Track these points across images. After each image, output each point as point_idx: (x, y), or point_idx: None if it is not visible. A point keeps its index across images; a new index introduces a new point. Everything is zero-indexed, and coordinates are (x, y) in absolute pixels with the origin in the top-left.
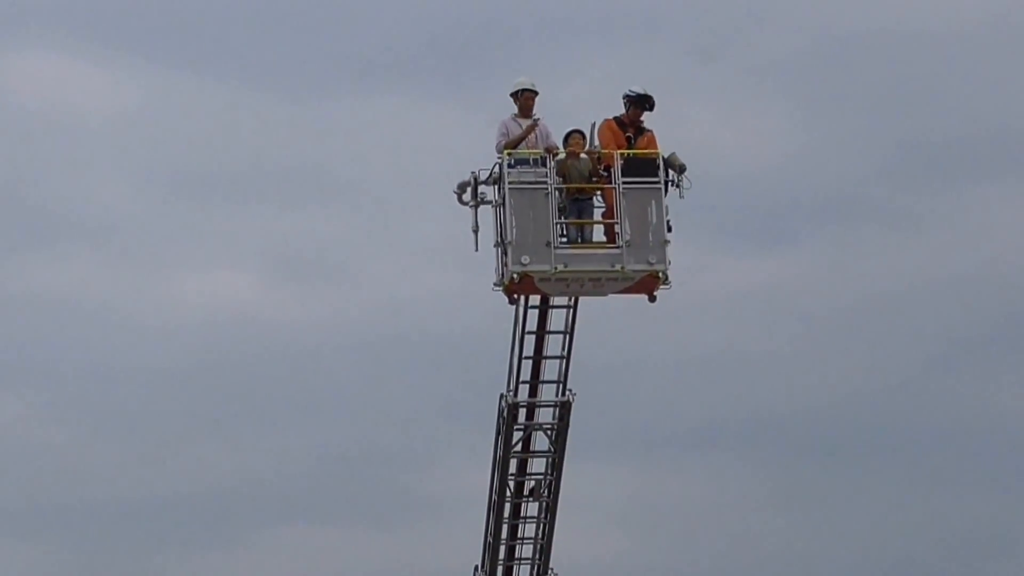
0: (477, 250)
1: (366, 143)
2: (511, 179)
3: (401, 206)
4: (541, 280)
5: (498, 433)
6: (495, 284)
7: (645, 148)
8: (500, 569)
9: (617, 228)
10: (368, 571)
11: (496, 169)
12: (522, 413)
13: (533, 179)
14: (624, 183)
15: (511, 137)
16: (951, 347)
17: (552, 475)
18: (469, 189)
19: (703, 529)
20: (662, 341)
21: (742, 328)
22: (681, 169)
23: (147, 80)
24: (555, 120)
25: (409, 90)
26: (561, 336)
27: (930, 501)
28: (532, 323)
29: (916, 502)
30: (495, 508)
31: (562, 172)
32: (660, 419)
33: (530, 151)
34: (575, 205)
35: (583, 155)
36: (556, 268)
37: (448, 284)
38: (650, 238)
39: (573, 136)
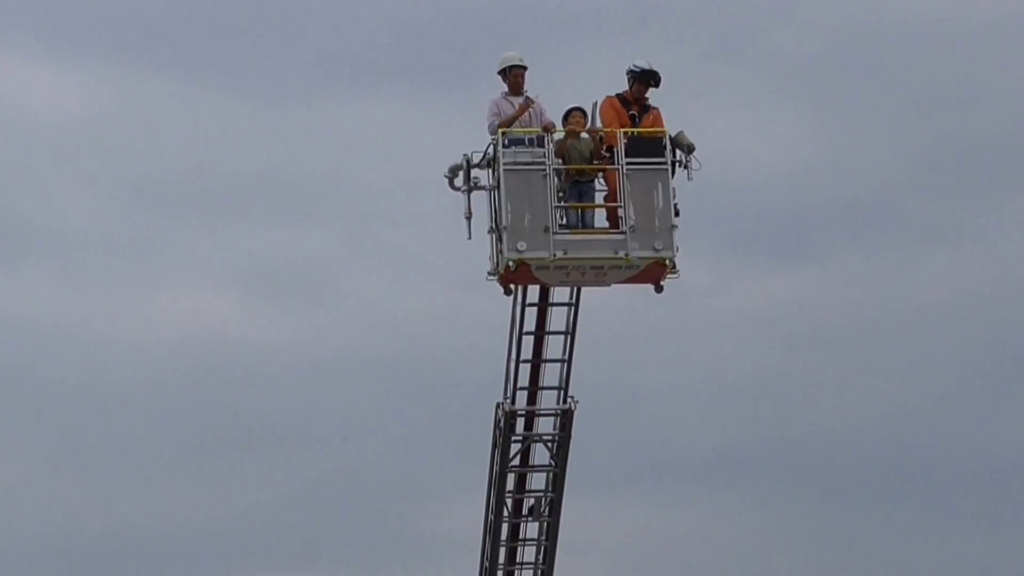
0: (470, 238)
1: (350, 150)
2: (506, 160)
3: (387, 217)
4: (539, 268)
5: (494, 446)
6: (489, 273)
7: (650, 127)
8: None
9: (620, 212)
10: None
11: (490, 150)
12: (520, 423)
13: (530, 160)
14: (628, 164)
15: (504, 117)
16: (992, 368)
17: (553, 492)
18: (461, 173)
19: (716, 570)
20: (672, 362)
21: (761, 349)
22: (689, 149)
23: (114, 84)
24: (549, 101)
25: (396, 94)
26: (562, 337)
27: (966, 540)
28: (530, 323)
29: (951, 541)
30: (492, 529)
31: (561, 153)
32: (670, 448)
33: (526, 130)
34: (575, 188)
35: (584, 134)
36: (555, 255)
37: (440, 299)
38: (656, 223)
39: (573, 114)
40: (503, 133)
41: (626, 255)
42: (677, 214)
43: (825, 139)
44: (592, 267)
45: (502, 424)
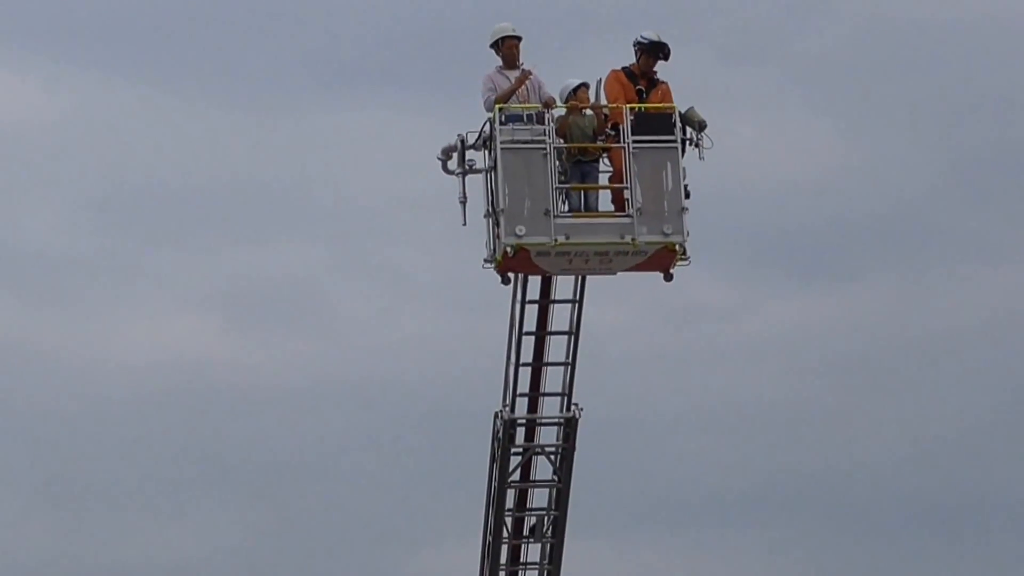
0: (465, 224)
1: (340, 161)
2: (503, 138)
3: (380, 233)
4: (539, 255)
5: (493, 460)
6: (486, 260)
7: (659, 102)
8: None
9: (627, 194)
10: None
11: (486, 128)
12: (520, 434)
13: (529, 138)
14: (635, 142)
15: (500, 91)
16: None
17: (556, 510)
18: (455, 155)
19: None
20: (685, 390)
21: (782, 376)
22: (701, 126)
23: (79, 88)
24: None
25: (391, 99)
26: (565, 338)
27: None
28: (530, 323)
29: None
30: (490, 552)
31: (562, 131)
32: (681, 484)
33: (524, 106)
34: (577, 168)
35: (587, 110)
36: (556, 240)
37: (437, 323)
38: (665, 206)
39: (581, 90)
40: (500, 109)
41: (633, 240)
42: (688, 196)
43: (852, 147)
44: (596, 253)
45: (501, 434)
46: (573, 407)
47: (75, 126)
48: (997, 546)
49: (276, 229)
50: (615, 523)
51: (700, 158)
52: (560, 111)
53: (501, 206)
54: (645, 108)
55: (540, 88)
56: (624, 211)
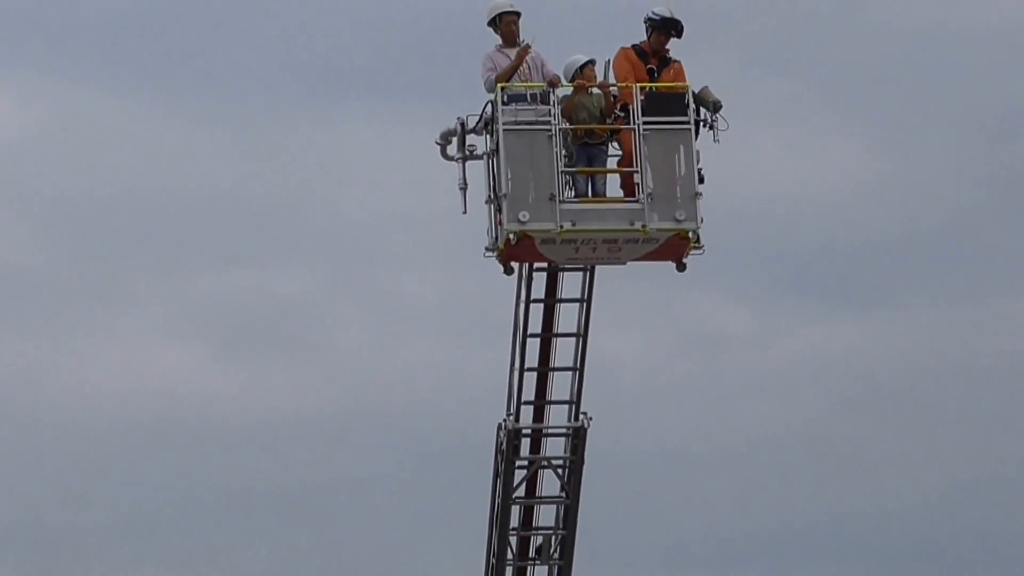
0: (465, 212)
1: (331, 177)
2: (505, 119)
3: (379, 256)
4: (544, 243)
5: (496, 474)
6: (487, 249)
7: (671, 82)
8: None
9: (637, 179)
10: None
11: (487, 110)
12: (525, 446)
13: (533, 118)
14: (645, 124)
15: (500, 70)
16: None
17: (564, 529)
18: (455, 139)
19: None
20: (706, 424)
21: (810, 409)
22: (716, 107)
23: (55, 100)
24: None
25: (390, 108)
26: (573, 341)
27: None
28: (534, 325)
29: None
30: (494, 575)
31: (568, 112)
32: (700, 525)
33: (528, 84)
34: (584, 151)
35: (594, 90)
36: (562, 227)
37: (438, 351)
38: (677, 190)
39: (587, 67)
40: (502, 89)
41: (643, 226)
42: (702, 180)
43: (884, 161)
44: (604, 241)
45: (504, 446)
46: (582, 416)
47: (50, 139)
48: None
49: (265, 251)
50: (619, 567)
51: (715, 140)
52: (566, 90)
53: (503, 191)
54: (656, 87)
55: (544, 66)
56: (634, 196)
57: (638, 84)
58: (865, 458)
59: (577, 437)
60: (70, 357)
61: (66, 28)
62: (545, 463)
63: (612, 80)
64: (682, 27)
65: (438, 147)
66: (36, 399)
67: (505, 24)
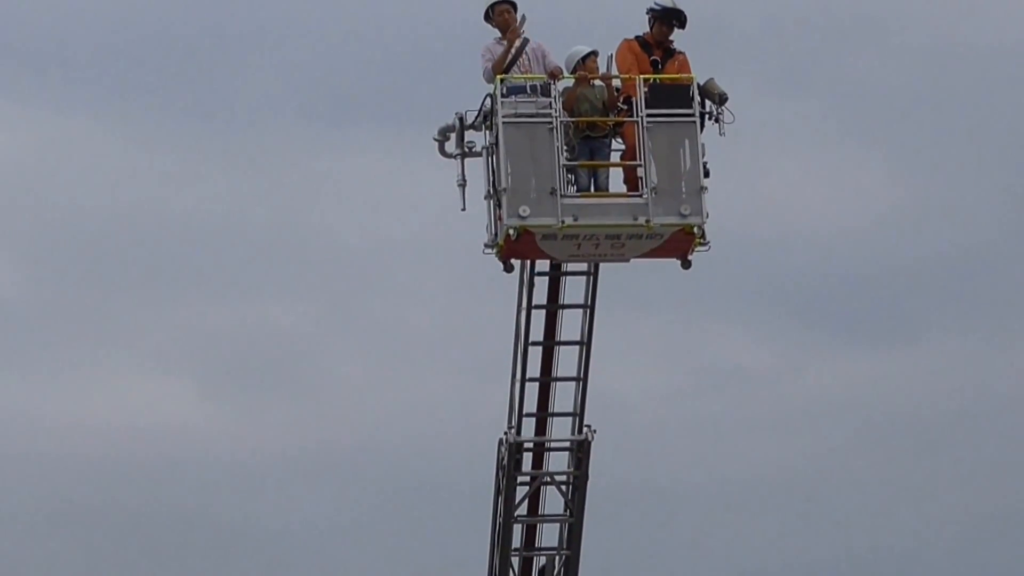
0: (464, 209)
1: (330, 205)
2: (505, 111)
3: (377, 288)
4: (545, 239)
5: (497, 491)
6: (486, 245)
7: (676, 73)
8: None
9: (640, 173)
10: None
11: (486, 103)
12: (527, 460)
13: (534, 111)
14: (649, 116)
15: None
16: None
17: (568, 549)
18: (453, 135)
19: None
20: (722, 460)
21: (831, 446)
22: (722, 99)
23: (36, 127)
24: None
25: (387, 130)
26: (577, 349)
27: None
28: (536, 330)
29: None
30: None
31: (569, 105)
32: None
33: (528, 76)
34: (586, 144)
35: (597, 81)
36: (563, 222)
37: (441, 387)
38: (682, 185)
39: (589, 58)
40: (501, 80)
41: (647, 222)
42: (707, 175)
43: (908, 188)
44: (607, 237)
45: (506, 461)
46: (585, 429)
47: (36, 168)
48: None
49: (260, 283)
50: None
51: (720, 134)
52: (567, 82)
53: (503, 185)
54: (660, 79)
55: (546, 57)
56: (637, 191)
57: (642, 76)
58: (885, 495)
59: (581, 451)
60: (54, 392)
61: (52, 54)
62: (548, 479)
63: (615, 69)
64: (685, 17)
65: (436, 144)
66: (18, 435)
67: (499, 15)
